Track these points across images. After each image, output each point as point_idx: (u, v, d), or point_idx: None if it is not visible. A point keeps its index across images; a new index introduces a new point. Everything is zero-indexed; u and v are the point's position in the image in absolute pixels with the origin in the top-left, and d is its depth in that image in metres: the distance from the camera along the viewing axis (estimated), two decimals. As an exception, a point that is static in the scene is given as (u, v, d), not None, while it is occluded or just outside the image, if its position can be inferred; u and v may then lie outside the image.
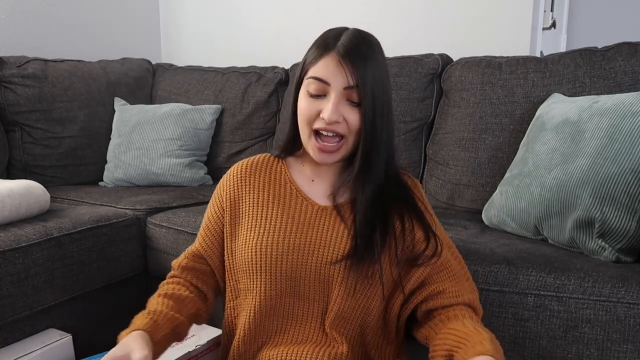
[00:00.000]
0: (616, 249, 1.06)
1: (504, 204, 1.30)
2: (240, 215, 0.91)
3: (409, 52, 1.83)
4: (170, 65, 2.34)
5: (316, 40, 0.84)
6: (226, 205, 0.93)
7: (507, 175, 1.35)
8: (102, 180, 1.95)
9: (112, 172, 1.90)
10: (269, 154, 0.97)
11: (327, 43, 0.81)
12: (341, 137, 0.83)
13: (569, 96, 1.40)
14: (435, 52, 1.76)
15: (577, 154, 1.15)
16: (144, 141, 1.90)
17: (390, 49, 1.94)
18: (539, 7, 1.98)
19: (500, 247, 1.14)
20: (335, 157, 0.85)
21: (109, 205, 1.58)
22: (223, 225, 0.93)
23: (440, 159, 1.64)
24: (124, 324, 0.85)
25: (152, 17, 2.60)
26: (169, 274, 0.97)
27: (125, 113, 1.98)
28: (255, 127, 2.01)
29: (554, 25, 2.46)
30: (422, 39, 2.03)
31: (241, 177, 0.94)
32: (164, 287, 0.92)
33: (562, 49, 2.94)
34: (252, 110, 2.00)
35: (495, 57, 1.63)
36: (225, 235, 0.93)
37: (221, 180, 0.97)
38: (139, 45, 2.53)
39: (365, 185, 0.85)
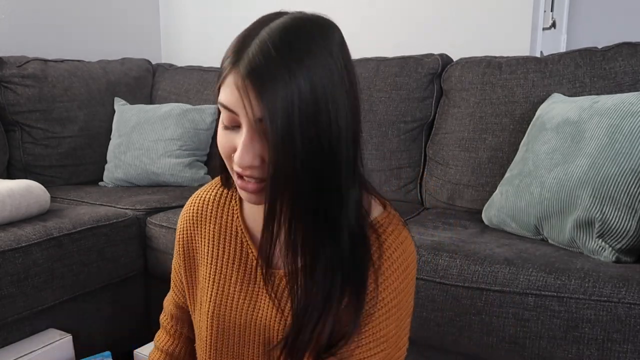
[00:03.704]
0: (616, 249, 1.06)
1: (504, 204, 1.30)
2: (197, 266, 0.79)
3: (409, 52, 1.82)
4: (170, 65, 2.34)
5: (237, 37, 0.60)
6: (181, 252, 0.81)
7: (507, 175, 1.35)
8: (102, 180, 1.95)
9: (112, 172, 1.90)
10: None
11: (237, 49, 0.57)
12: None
13: (569, 96, 1.40)
14: (435, 52, 1.76)
15: (577, 154, 1.15)
16: (144, 141, 1.90)
17: (390, 49, 1.95)
18: (539, 7, 1.98)
19: (501, 247, 1.14)
20: (263, 199, 0.62)
21: (109, 205, 1.58)
22: (181, 273, 0.82)
23: (440, 159, 1.64)
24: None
25: (152, 17, 2.60)
26: (163, 319, 0.91)
27: (125, 113, 1.98)
28: (255, 127, 2.00)
29: (554, 25, 2.46)
30: (422, 39, 2.03)
31: (193, 222, 0.78)
32: (158, 345, 0.89)
33: (562, 49, 2.94)
34: (252, 110, 2.00)
35: (495, 57, 1.63)
36: (184, 283, 0.82)
37: (179, 218, 0.83)
38: (139, 45, 2.53)
39: (301, 251, 0.62)
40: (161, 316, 0.91)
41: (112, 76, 2.09)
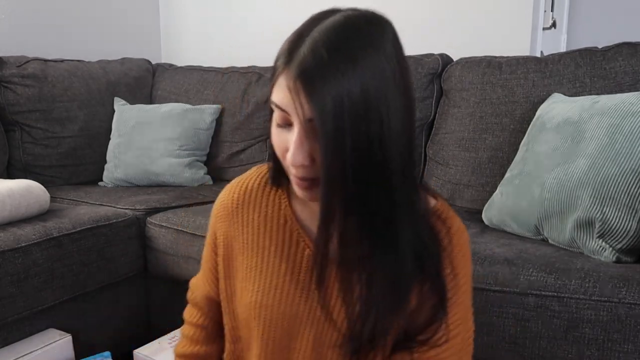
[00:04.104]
0: (617, 249, 1.06)
1: (504, 204, 1.30)
2: (235, 256, 0.76)
3: (409, 52, 1.81)
4: (170, 65, 2.34)
5: (289, 36, 0.61)
6: (219, 240, 0.78)
7: (507, 175, 1.35)
8: (101, 180, 1.95)
9: (112, 172, 1.90)
10: (265, 171, 0.76)
11: (290, 49, 0.58)
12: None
13: (569, 96, 1.40)
14: (435, 52, 1.76)
15: (577, 154, 1.15)
16: (144, 141, 1.90)
17: (391, 49, 1.95)
18: (539, 7, 1.98)
19: (501, 247, 1.14)
20: (317, 195, 0.61)
21: (108, 205, 1.58)
22: (216, 262, 0.79)
23: (440, 159, 1.64)
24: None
25: (152, 17, 2.60)
26: (191, 297, 0.87)
27: (125, 113, 1.98)
28: (255, 127, 2.00)
29: (554, 25, 2.46)
30: (421, 39, 2.03)
31: (233, 209, 0.76)
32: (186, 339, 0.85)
33: (562, 49, 2.94)
34: (252, 110, 2.00)
35: (495, 57, 1.63)
36: (219, 273, 0.79)
37: (214, 205, 0.80)
38: (139, 45, 2.53)
39: (354, 246, 0.62)
40: (188, 294, 0.88)
41: (112, 76, 2.08)
